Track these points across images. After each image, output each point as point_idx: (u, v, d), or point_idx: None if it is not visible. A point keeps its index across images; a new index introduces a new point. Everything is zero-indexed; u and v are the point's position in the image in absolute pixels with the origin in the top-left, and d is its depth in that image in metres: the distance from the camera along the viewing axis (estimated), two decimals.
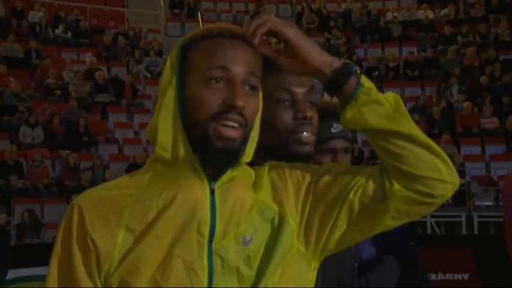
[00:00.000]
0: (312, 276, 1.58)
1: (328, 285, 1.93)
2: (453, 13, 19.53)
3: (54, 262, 1.48)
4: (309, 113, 1.81)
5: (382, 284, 2.20)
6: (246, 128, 1.48)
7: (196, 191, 1.47)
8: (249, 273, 1.48)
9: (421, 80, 17.47)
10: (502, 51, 17.46)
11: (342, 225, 1.51)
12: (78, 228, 1.46)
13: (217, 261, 1.45)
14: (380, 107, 1.49)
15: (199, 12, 19.92)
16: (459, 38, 18.28)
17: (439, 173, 1.47)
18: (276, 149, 1.79)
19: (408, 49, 18.53)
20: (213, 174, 1.49)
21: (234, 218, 1.49)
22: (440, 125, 15.25)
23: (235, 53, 1.50)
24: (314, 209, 1.53)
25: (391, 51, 18.51)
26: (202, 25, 15.92)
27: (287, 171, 1.59)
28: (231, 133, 1.45)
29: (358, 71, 1.51)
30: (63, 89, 15.62)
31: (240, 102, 1.44)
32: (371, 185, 1.50)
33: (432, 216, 12.70)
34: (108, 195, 1.50)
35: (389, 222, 1.51)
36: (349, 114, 1.49)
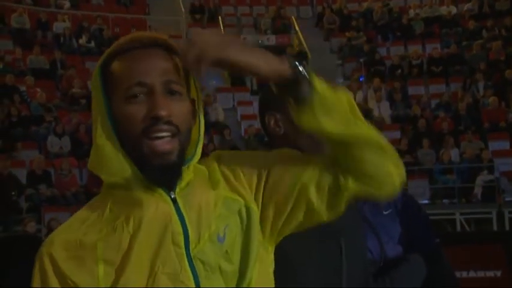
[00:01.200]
0: (271, 258, 1.57)
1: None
2: (477, 7, 19.34)
3: None
4: None
5: (409, 282, 2.21)
6: (180, 135, 1.44)
7: (159, 206, 1.44)
8: (231, 268, 1.47)
9: (445, 76, 17.29)
10: None
11: (299, 216, 1.51)
12: (55, 275, 1.43)
13: (199, 266, 1.43)
14: (336, 113, 1.45)
15: (220, 17, 19.94)
16: (484, 33, 18.13)
17: (390, 176, 1.49)
18: (305, 149, 1.78)
19: (431, 46, 18.36)
20: (169, 184, 1.46)
21: (203, 219, 1.47)
22: (466, 121, 15.15)
23: (148, 65, 1.46)
24: (268, 198, 1.51)
25: (414, 48, 18.36)
26: (224, 29, 16.02)
27: (235, 161, 1.57)
28: (166, 146, 1.42)
29: (308, 76, 1.44)
30: (88, 98, 15.71)
31: (162, 112, 1.41)
32: (325, 178, 1.49)
33: (461, 214, 12.71)
34: (74, 235, 1.45)
35: (342, 210, 1.52)
36: (304, 119, 1.45)
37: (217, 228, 1.47)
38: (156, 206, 1.44)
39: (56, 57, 16.81)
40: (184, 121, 1.46)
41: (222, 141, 14.93)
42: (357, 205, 2.19)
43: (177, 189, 1.47)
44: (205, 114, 16.33)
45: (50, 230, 11.38)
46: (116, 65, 1.48)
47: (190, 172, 1.50)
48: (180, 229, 1.43)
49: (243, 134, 15.84)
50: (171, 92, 1.45)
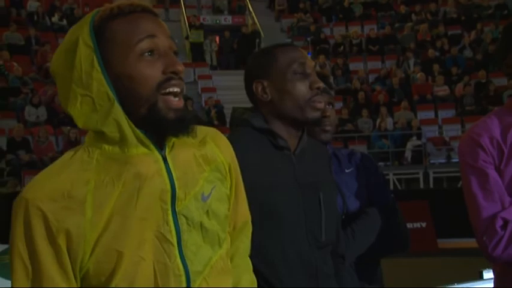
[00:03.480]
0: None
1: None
2: None
3: (17, 264, 1.31)
4: (322, 84, 1.89)
5: (367, 232, 2.18)
6: (183, 93, 1.39)
7: (150, 163, 1.35)
8: (213, 227, 1.42)
9: (381, 54, 17.46)
10: (450, 27, 17.63)
11: None
12: (42, 225, 1.29)
13: (182, 221, 1.36)
14: None
15: None
16: (413, 16, 18.34)
17: None
18: (293, 116, 1.84)
19: (369, 27, 18.46)
20: (159, 143, 1.38)
21: (190, 178, 1.39)
22: (399, 94, 15.34)
23: (155, 25, 1.38)
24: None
25: (354, 29, 18.42)
26: (185, 10, 15.67)
27: (224, 151, 1.52)
28: (180, 103, 1.36)
29: None
30: None
31: (180, 67, 1.35)
32: None
33: (394, 174, 12.85)
34: (61, 185, 1.31)
35: None
36: None
37: (202, 188, 1.41)
38: (147, 164, 1.35)
39: (30, 34, 16.39)
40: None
41: None
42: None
43: (167, 149, 1.39)
44: None
45: None
46: (119, 24, 1.36)
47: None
48: (168, 187, 1.36)
49: (203, 105, 15.85)
50: (175, 53, 1.40)
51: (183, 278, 1.35)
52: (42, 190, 1.31)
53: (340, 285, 1.92)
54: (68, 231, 1.29)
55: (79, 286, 1.33)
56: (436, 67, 15.77)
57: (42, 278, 1.30)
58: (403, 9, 18.74)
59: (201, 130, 1.49)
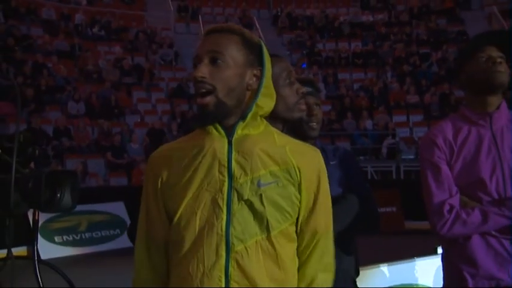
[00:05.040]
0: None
1: None
2: (387, 17, 19.49)
3: (142, 196, 1.55)
4: (305, 89, 1.92)
5: (345, 215, 2.15)
6: (217, 92, 1.44)
7: (217, 142, 1.46)
8: (261, 210, 1.42)
9: (364, 67, 17.43)
10: (421, 47, 17.60)
11: None
12: (151, 172, 1.52)
13: (234, 194, 1.41)
14: None
15: (199, 15, 19.72)
16: (391, 37, 18.30)
17: None
18: (283, 115, 1.84)
19: (355, 44, 18.45)
20: (230, 130, 1.47)
21: (249, 164, 1.44)
22: (378, 100, 15.33)
23: (205, 40, 1.48)
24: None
25: (343, 45, 18.42)
26: (202, 25, 15.76)
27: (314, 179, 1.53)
28: (202, 101, 1.44)
29: None
30: (99, 74, 15.54)
31: (196, 73, 1.44)
32: None
33: (372, 167, 12.84)
34: (168, 147, 1.54)
35: None
36: None
37: (261, 176, 1.43)
38: (216, 142, 1.45)
39: (74, 42, 16.45)
40: (223, 82, 1.44)
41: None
42: None
43: (235, 136, 1.46)
44: (189, 88, 15.89)
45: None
46: None
47: (253, 126, 1.49)
48: (225, 163, 1.43)
49: None
50: (214, 61, 1.45)
51: (223, 238, 1.39)
52: (160, 149, 1.56)
53: None
54: (161, 177, 1.49)
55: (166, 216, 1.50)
56: (409, 79, 15.75)
57: (150, 206, 1.52)
58: (383, 30, 18.70)
59: (296, 144, 1.54)
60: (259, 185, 1.42)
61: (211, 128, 1.48)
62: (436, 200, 2.03)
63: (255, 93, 1.49)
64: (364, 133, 14.21)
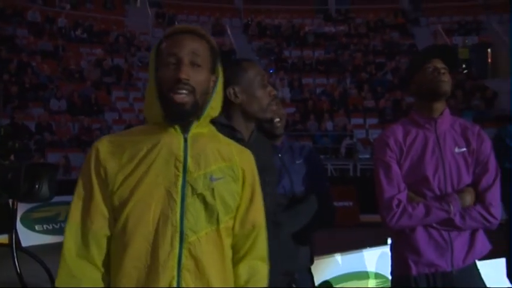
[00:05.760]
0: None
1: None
2: (347, 29, 19.65)
3: (79, 183, 1.45)
4: (275, 92, 1.95)
5: (306, 213, 2.14)
6: (195, 94, 1.42)
7: (173, 138, 1.43)
8: (212, 202, 1.41)
9: (326, 73, 17.51)
10: (377, 57, 17.80)
11: None
12: (94, 160, 1.42)
13: (188, 188, 1.39)
14: None
15: (176, 22, 19.54)
16: (351, 47, 18.44)
17: None
18: (256, 115, 1.86)
19: (318, 52, 18.53)
20: (185, 128, 1.44)
21: (203, 159, 1.42)
22: (338, 104, 15.43)
23: (183, 42, 1.44)
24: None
25: (307, 53, 18.51)
26: None
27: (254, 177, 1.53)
28: (181, 99, 1.40)
29: None
30: (80, 73, 15.25)
31: (182, 76, 1.40)
32: None
33: (332, 165, 12.85)
34: (116, 139, 1.46)
35: None
36: None
37: (213, 172, 1.43)
38: (171, 138, 1.42)
39: (58, 43, 16.12)
40: (200, 85, 1.43)
41: None
42: (280, 155, 2.21)
43: (190, 133, 1.44)
44: None
45: (57, 164, 11.09)
46: (163, 44, 1.47)
47: (204, 126, 1.47)
48: (181, 158, 1.40)
49: None
50: (194, 64, 1.43)
51: (178, 230, 1.36)
52: (106, 139, 1.46)
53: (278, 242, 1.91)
54: (105, 168, 1.40)
55: (110, 207, 1.41)
56: (366, 86, 15.91)
57: (91, 194, 1.41)
58: (344, 40, 18.85)
59: (234, 144, 1.54)
60: (211, 180, 1.42)
61: (165, 125, 1.43)
62: (387, 195, 2.06)
63: (210, 97, 1.49)
64: (325, 134, 14.27)
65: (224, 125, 1.84)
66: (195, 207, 1.38)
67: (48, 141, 12.27)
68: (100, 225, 1.41)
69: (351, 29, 19.66)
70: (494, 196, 2.06)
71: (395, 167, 2.09)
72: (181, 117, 1.42)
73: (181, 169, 1.39)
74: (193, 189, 1.39)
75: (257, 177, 1.53)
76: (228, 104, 1.88)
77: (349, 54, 17.87)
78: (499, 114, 12.86)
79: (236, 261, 1.48)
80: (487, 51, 18.14)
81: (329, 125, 14.61)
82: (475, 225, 2.05)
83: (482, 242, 2.10)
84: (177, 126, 1.43)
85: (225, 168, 1.45)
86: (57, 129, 12.78)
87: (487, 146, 2.13)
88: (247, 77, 1.87)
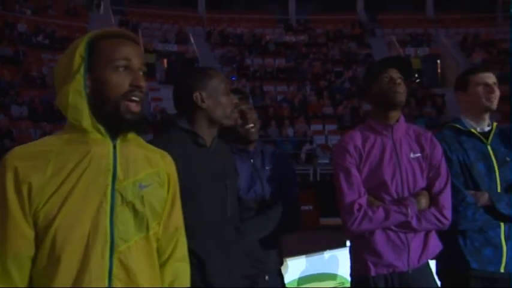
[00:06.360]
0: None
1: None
2: (307, 39, 19.84)
3: None
4: (236, 100, 2.00)
5: (274, 218, 2.14)
6: (142, 102, 1.39)
7: (102, 147, 1.34)
8: (142, 210, 1.36)
9: (287, 81, 17.58)
10: (336, 65, 18.02)
11: None
12: (12, 177, 1.28)
13: (118, 197, 1.33)
14: None
15: (139, 30, 19.27)
16: (311, 56, 18.60)
17: None
18: (221, 121, 1.87)
19: (279, 60, 18.59)
20: (114, 135, 1.37)
21: (132, 167, 1.37)
22: (298, 111, 15.51)
23: (132, 49, 1.37)
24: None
25: (269, 61, 18.55)
26: (142, 39, 15.27)
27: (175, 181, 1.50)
28: (137, 108, 1.35)
29: None
30: (42, 79, 14.81)
31: (143, 83, 1.36)
32: None
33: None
34: (33, 150, 1.32)
35: None
36: None
37: (142, 179, 1.38)
38: (100, 147, 1.34)
39: (19, 49, 15.57)
40: (144, 93, 1.40)
41: None
42: (252, 161, 2.21)
43: (119, 141, 1.37)
44: None
45: None
46: (107, 44, 1.36)
47: (127, 133, 1.40)
48: (111, 167, 1.33)
49: (152, 111, 15.52)
50: (141, 71, 1.39)
51: (108, 239, 1.31)
52: (20, 151, 1.31)
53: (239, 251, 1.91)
54: (30, 184, 1.28)
55: (32, 226, 1.30)
56: (325, 93, 16.08)
57: (8, 215, 1.28)
58: (304, 50, 19.02)
59: (156, 148, 1.49)
60: (140, 187, 1.37)
61: (93, 133, 1.34)
62: (347, 200, 2.09)
63: None
64: (285, 139, 14.31)
65: (185, 130, 1.83)
66: (124, 215, 1.34)
67: (8, 148, 11.79)
68: (21, 248, 1.28)
69: (311, 38, 19.86)
70: (447, 199, 2.13)
71: (355, 172, 2.12)
72: (132, 126, 1.36)
73: (110, 178, 1.33)
74: (122, 197, 1.34)
75: (177, 180, 1.50)
76: (192, 109, 1.87)
77: (308, 62, 18.03)
78: (446, 121, 13.28)
79: (160, 265, 1.45)
80: (437, 62, 18.77)
81: (290, 131, 14.66)
82: (430, 227, 2.11)
83: (435, 243, 2.16)
84: (106, 134, 1.35)
85: (152, 174, 1.41)
86: (18, 136, 12.34)
87: (439, 151, 2.20)
88: (213, 83, 1.88)
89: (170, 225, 1.47)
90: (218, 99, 1.86)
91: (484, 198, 2.21)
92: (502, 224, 2.23)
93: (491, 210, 2.20)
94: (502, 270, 2.21)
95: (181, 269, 1.48)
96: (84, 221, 1.29)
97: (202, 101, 1.85)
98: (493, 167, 2.27)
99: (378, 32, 20.51)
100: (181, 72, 1.98)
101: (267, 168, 2.24)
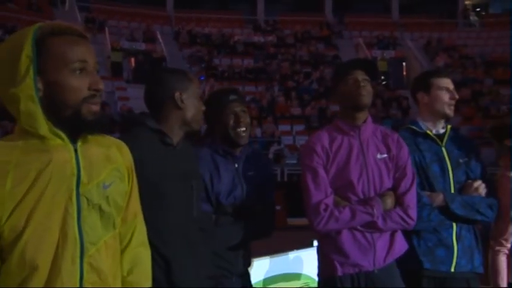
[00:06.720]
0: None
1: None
2: (275, 40, 19.92)
3: None
4: (203, 107, 2.00)
5: (251, 228, 2.16)
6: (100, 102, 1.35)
7: (64, 153, 1.29)
8: (108, 210, 1.35)
9: (255, 81, 17.60)
10: (304, 66, 18.13)
11: None
12: None
13: (83, 201, 1.30)
14: None
15: (106, 28, 18.93)
16: (279, 56, 18.69)
17: None
18: (192, 123, 1.90)
19: (247, 61, 18.58)
20: (73, 139, 1.32)
21: (95, 168, 1.34)
22: (266, 111, 15.55)
23: (86, 49, 1.31)
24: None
25: (237, 61, 18.52)
26: (109, 37, 15.05)
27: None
28: (97, 108, 1.31)
29: None
30: None
31: (101, 86, 1.31)
32: None
33: None
34: (5, 158, 1.25)
35: None
36: None
37: (105, 179, 1.35)
38: (62, 152, 1.29)
39: None
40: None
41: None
42: (236, 166, 2.21)
43: (79, 143, 1.33)
44: None
45: None
46: (57, 42, 1.28)
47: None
48: (75, 172, 1.30)
49: (119, 110, 15.27)
50: (97, 72, 1.35)
51: (78, 245, 1.29)
52: None
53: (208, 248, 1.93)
54: (5, 185, 1.22)
55: None
56: (293, 94, 16.19)
57: None
58: (272, 50, 19.09)
59: (111, 139, 1.45)
60: (104, 187, 1.35)
61: (53, 139, 1.28)
62: (314, 200, 2.10)
63: None
64: (254, 140, 14.26)
65: (153, 129, 1.83)
66: (91, 218, 1.32)
67: None
68: None
69: (279, 39, 19.95)
70: (412, 199, 2.16)
71: (322, 173, 2.13)
72: (94, 127, 1.32)
73: (74, 183, 1.29)
74: (88, 201, 1.32)
75: (133, 166, 1.48)
76: (167, 108, 1.87)
77: (277, 63, 18.12)
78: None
79: (125, 249, 1.46)
80: (403, 65, 19.21)
81: (258, 132, 14.68)
82: (395, 227, 2.14)
83: (400, 242, 2.19)
84: (65, 138, 1.30)
85: (113, 170, 1.39)
86: None
87: (405, 152, 2.24)
88: (193, 86, 1.92)
89: (129, 213, 1.46)
90: (194, 102, 1.90)
91: (439, 199, 2.27)
92: (454, 225, 2.30)
93: (445, 210, 2.25)
94: (452, 270, 2.26)
95: (140, 254, 1.47)
96: (53, 230, 1.27)
97: (182, 102, 1.87)
98: (447, 168, 2.32)
99: (346, 34, 20.82)
100: (160, 71, 1.99)
101: (249, 173, 2.24)
